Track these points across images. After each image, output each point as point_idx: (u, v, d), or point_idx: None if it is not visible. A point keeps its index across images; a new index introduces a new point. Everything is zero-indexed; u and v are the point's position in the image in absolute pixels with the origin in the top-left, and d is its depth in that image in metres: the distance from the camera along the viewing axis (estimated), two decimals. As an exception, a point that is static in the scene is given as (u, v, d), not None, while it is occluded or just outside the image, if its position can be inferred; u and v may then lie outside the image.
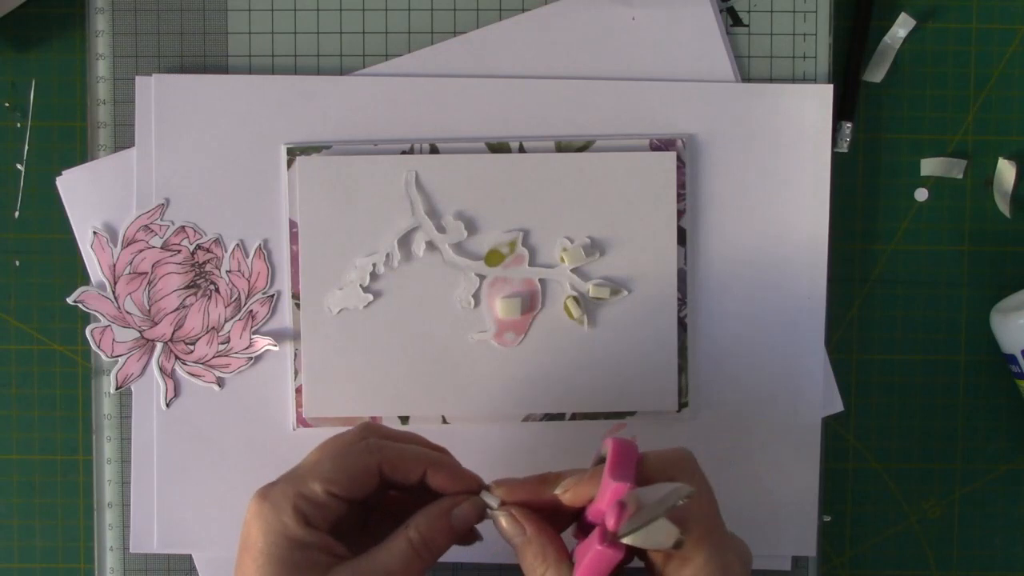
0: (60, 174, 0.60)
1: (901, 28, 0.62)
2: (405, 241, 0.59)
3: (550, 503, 0.49)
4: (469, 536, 0.51)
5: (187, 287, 0.60)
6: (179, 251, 0.60)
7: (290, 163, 0.59)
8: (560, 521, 0.50)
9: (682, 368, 0.60)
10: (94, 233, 0.60)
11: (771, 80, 0.61)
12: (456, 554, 0.61)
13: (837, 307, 0.61)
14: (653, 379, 0.60)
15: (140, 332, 0.60)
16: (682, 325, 0.60)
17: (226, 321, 0.60)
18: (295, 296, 0.60)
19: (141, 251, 0.60)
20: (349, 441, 0.49)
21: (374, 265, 0.59)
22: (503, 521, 0.49)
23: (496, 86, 0.60)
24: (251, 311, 0.60)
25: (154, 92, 0.60)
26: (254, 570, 0.46)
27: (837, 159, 0.61)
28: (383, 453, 0.49)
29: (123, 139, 0.61)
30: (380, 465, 0.48)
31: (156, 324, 0.60)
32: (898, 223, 0.62)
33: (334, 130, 0.60)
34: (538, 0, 0.61)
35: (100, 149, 0.61)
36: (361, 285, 0.59)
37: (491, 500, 0.49)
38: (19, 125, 0.62)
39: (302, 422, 0.60)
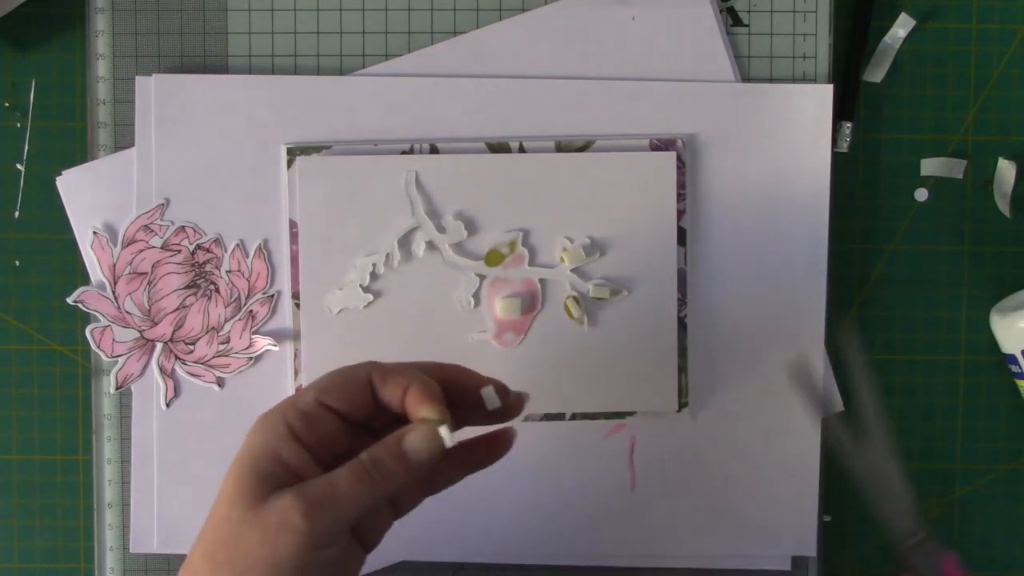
0: (60, 174, 0.60)
1: (901, 28, 0.62)
2: (405, 241, 0.59)
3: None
4: (444, 475, 0.49)
5: (187, 287, 0.60)
6: (179, 251, 0.60)
7: (290, 163, 0.59)
8: None
9: (682, 368, 0.60)
10: (94, 233, 0.60)
11: (771, 80, 0.61)
12: (457, 554, 0.61)
13: (837, 307, 0.61)
14: (653, 379, 0.60)
15: (140, 332, 0.60)
16: (682, 325, 0.60)
17: (226, 321, 0.60)
18: (295, 296, 0.60)
19: (141, 251, 0.60)
20: (347, 366, 0.48)
21: (374, 265, 0.59)
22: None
23: (496, 86, 0.60)
24: (251, 311, 0.60)
25: (154, 92, 0.60)
26: (231, 473, 0.45)
27: (837, 159, 0.61)
28: (375, 365, 0.48)
29: (123, 139, 0.61)
30: (370, 375, 0.47)
31: (156, 324, 0.60)
32: (898, 223, 0.62)
33: (334, 130, 0.60)
34: (538, 0, 0.61)
35: (100, 149, 0.61)
36: (361, 285, 0.59)
37: (445, 434, 0.46)
38: (19, 125, 0.62)
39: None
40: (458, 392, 0.49)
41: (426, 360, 0.49)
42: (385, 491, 0.46)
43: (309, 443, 0.46)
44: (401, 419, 0.47)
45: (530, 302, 0.60)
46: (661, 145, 0.60)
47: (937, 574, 0.54)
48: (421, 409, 0.47)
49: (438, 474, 0.49)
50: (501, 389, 0.49)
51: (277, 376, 0.60)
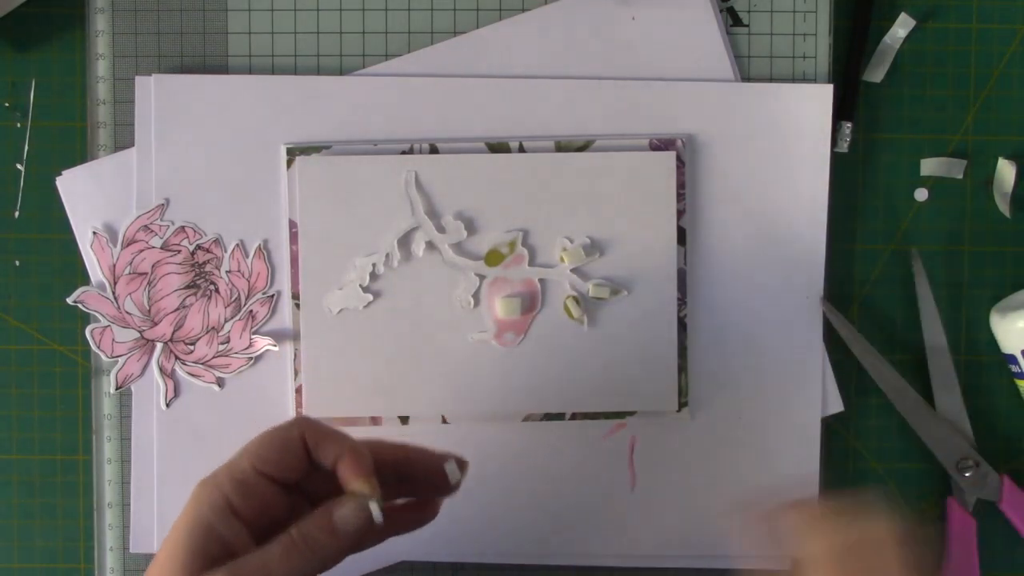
0: (60, 174, 0.60)
1: (901, 28, 0.62)
2: (405, 241, 0.59)
3: None
4: (405, 526, 0.51)
5: (187, 287, 0.60)
6: (179, 251, 0.60)
7: (290, 163, 0.59)
8: None
9: (682, 368, 0.60)
10: (94, 233, 0.60)
11: (771, 80, 0.61)
12: (457, 554, 0.61)
13: (837, 307, 0.61)
14: (653, 379, 0.60)
15: (140, 332, 0.60)
16: (682, 325, 0.60)
17: (226, 321, 0.60)
18: (295, 296, 0.60)
19: (141, 251, 0.60)
20: (278, 425, 0.48)
21: (374, 265, 0.59)
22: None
23: (496, 86, 0.60)
24: (251, 311, 0.60)
25: (154, 92, 0.60)
26: (167, 545, 0.46)
27: (837, 159, 0.61)
28: (308, 425, 0.48)
29: (123, 139, 0.61)
30: (304, 439, 0.47)
31: (156, 324, 0.60)
32: (898, 223, 0.62)
33: (334, 130, 0.60)
34: (538, 0, 0.61)
35: (100, 149, 0.61)
36: (361, 285, 0.59)
37: (375, 508, 0.47)
38: (19, 125, 0.62)
39: (302, 422, 0.60)
40: (405, 467, 0.50)
41: (374, 438, 0.50)
42: (315, 565, 0.47)
43: (245, 515, 0.46)
44: (335, 479, 0.48)
45: (530, 302, 0.60)
46: (661, 145, 0.60)
47: (997, 494, 0.60)
48: (353, 482, 0.47)
49: (364, 538, 0.49)
50: (460, 463, 0.50)
51: (277, 376, 0.60)
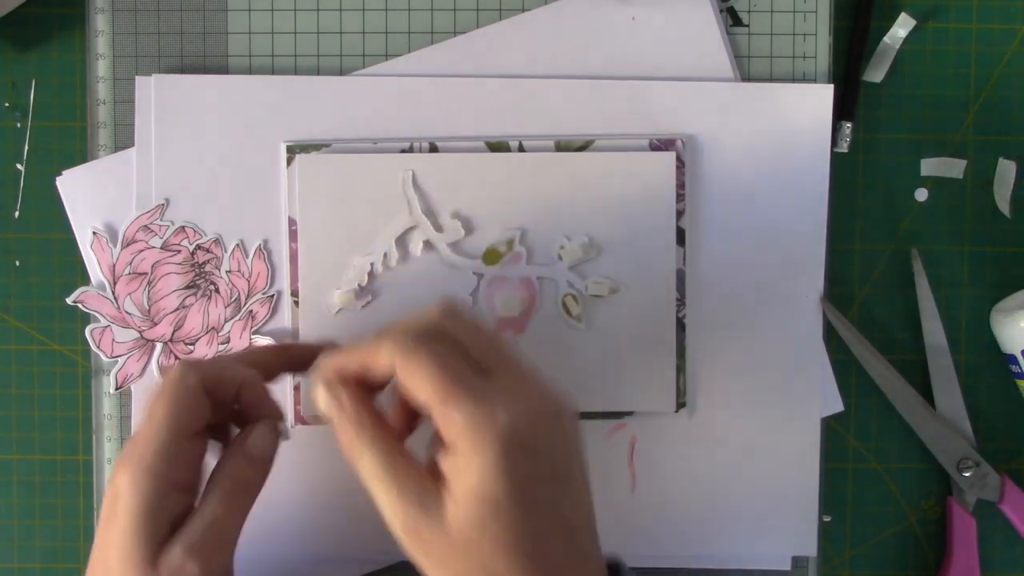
0: (60, 174, 0.61)
1: (901, 28, 0.62)
2: (402, 240, 0.59)
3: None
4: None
5: (187, 287, 0.60)
6: (179, 251, 0.60)
7: (290, 161, 0.59)
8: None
9: (680, 368, 0.60)
10: (94, 233, 0.60)
11: (771, 80, 0.61)
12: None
13: (837, 307, 0.61)
14: (651, 379, 0.60)
15: (140, 332, 0.60)
16: (680, 325, 0.60)
17: (226, 321, 0.60)
18: (294, 294, 0.60)
19: (141, 251, 0.60)
20: (171, 381, 0.49)
21: (372, 265, 0.59)
22: (319, 393, 0.47)
23: (496, 86, 0.60)
24: (251, 311, 0.60)
25: (154, 92, 0.60)
26: (113, 539, 0.46)
27: (837, 159, 0.61)
28: (199, 371, 0.49)
29: (123, 139, 0.61)
30: (203, 385, 0.49)
31: (156, 324, 0.60)
32: (898, 223, 0.62)
33: (334, 130, 0.60)
34: (538, 0, 0.61)
35: (100, 149, 0.61)
36: (359, 284, 0.59)
37: (283, 427, 0.51)
38: (19, 125, 0.62)
39: (300, 420, 0.60)
40: (289, 365, 0.53)
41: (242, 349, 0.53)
42: (250, 498, 0.49)
43: (177, 480, 0.47)
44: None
45: (528, 301, 0.60)
46: (661, 145, 0.60)
47: (997, 493, 0.60)
48: (255, 413, 0.50)
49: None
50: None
51: (277, 376, 0.60)
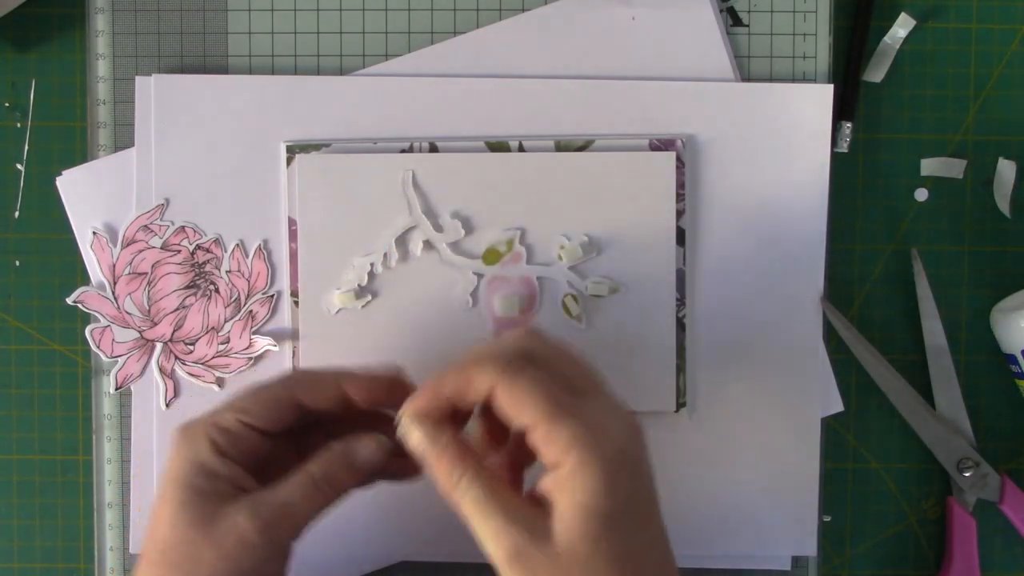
0: (60, 174, 0.61)
1: (901, 28, 0.62)
2: (402, 240, 0.59)
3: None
4: (400, 472, 0.51)
5: (187, 287, 0.60)
6: (179, 251, 0.60)
7: (289, 160, 0.59)
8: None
9: (680, 368, 0.60)
10: (94, 233, 0.60)
11: (771, 80, 0.61)
12: (457, 554, 0.61)
13: (837, 307, 0.61)
14: (651, 379, 0.60)
15: (140, 332, 0.60)
16: (680, 325, 0.60)
17: (226, 321, 0.60)
18: (294, 294, 0.60)
19: (141, 251, 0.60)
20: (270, 378, 0.50)
21: (372, 265, 0.59)
22: (412, 432, 0.47)
23: (496, 86, 0.60)
24: (251, 311, 0.60)
25: (154, 92, 0.60)
26: (166, 493, 0.47)
27: (837, 159, 0.61)
28: (295, 379, 0.50)
29: (123, 139, 0.61)
30: (295, 393, 0.49)
31: (156, 324, 0.60)
32: (898, 223, 0.62)
33: (334, 130, 0.60)
34: (538, 0, 0.61)
35: (100, 149, 0.61)
36: (359, 284, 0.59)
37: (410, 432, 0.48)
38: (19, 125, 0.62)
39: (302, 422, 0.60)
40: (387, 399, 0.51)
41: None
42: (332, 501, 0.49)
43: (234, 457, 0.48)
44: (313, 424, 0.51)
45: (528, 301, 0.60)
46: (661, 145, 0.60)
47: (997, 494, 0.60)
48: (375, 392, 0.50)
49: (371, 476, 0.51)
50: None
51: (277, 376, 0.60)
